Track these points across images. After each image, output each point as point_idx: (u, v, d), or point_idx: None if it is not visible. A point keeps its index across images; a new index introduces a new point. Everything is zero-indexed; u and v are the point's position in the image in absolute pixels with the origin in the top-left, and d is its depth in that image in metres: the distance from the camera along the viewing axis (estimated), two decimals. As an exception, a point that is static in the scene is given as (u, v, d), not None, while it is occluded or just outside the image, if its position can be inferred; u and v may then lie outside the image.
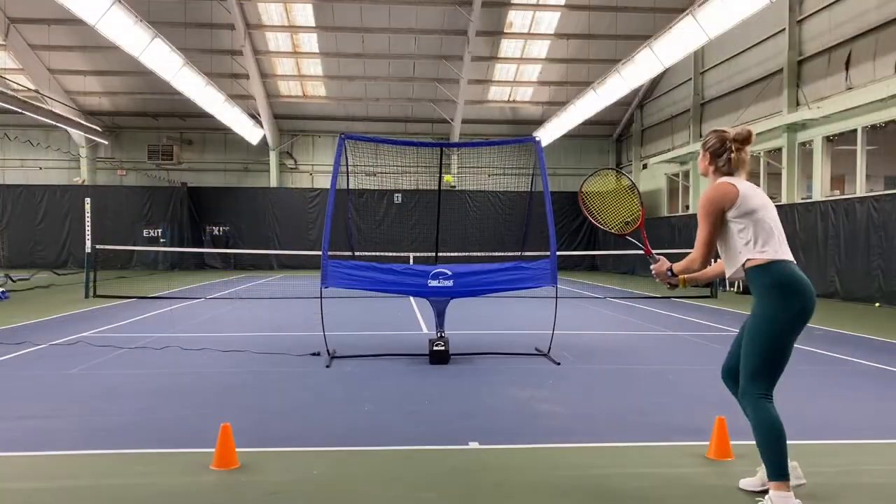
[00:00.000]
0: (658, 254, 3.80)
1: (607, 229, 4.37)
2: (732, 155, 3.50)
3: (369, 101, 28.70)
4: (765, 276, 3.31)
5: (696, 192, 23.77)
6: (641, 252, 3.97)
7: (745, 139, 3.51)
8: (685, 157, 23.62)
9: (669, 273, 3.64)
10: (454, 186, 27.11)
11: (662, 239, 23.85)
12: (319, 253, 7.39)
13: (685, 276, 3.60)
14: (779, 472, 3.21)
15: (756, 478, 3.56)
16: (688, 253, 3.57)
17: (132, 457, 4.05)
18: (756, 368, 3.28)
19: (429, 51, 25.53)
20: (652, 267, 3.74)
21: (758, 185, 19.90)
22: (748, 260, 3.36)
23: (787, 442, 3.24)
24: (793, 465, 3.35)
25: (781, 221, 3.46)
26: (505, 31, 24.69)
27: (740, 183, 3.43)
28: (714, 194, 3.42)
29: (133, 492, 3.49)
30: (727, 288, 18.40)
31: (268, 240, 29.24)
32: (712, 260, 3.53)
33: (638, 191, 4.54)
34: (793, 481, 3.28)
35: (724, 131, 3.56)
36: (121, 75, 26.37)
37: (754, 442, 3.30)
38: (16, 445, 4.26)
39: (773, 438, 3.21)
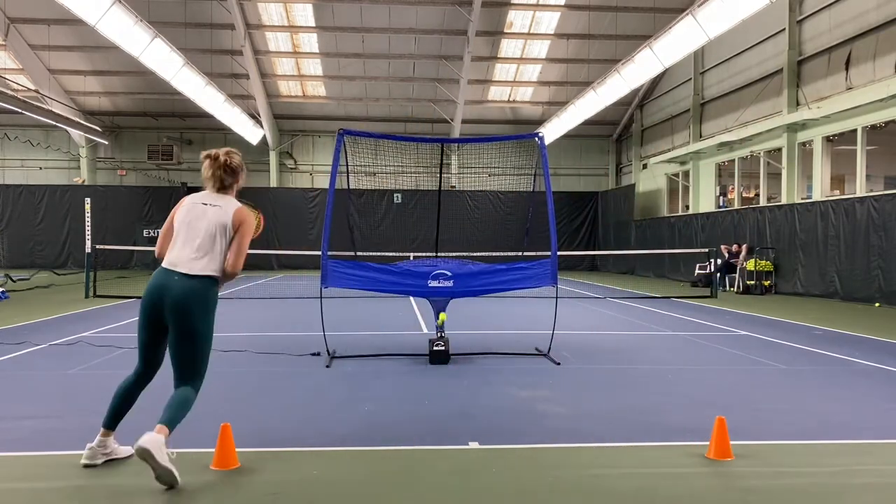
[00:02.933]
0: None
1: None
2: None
3: (369, 101, 28.70)
4: (217, 287, 4.02)
5: (695, 191, 23.75)
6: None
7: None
8: (685, 157, 23.59)
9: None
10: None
11: (662, 239, 23.89)
12: (319, 253, 7.36)
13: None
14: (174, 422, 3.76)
15: (118, 449, 3.95)
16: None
17: (132, 456, 4.03)
18: (205, 365, 4.15)
19: (429, 51, 25.53)
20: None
21: (758, 185, 19.77)
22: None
23: (788, 442, 3.24)
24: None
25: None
26: (505, 31, 24.70)
27: None
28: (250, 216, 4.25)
29: (133, 492, 3.49)
30: (727, 288, 18.40)
31: (268, 240, 29.23)
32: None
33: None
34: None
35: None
36: (121, 75, 26.39)
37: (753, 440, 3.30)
38: (16, 445, 4.26)
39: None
